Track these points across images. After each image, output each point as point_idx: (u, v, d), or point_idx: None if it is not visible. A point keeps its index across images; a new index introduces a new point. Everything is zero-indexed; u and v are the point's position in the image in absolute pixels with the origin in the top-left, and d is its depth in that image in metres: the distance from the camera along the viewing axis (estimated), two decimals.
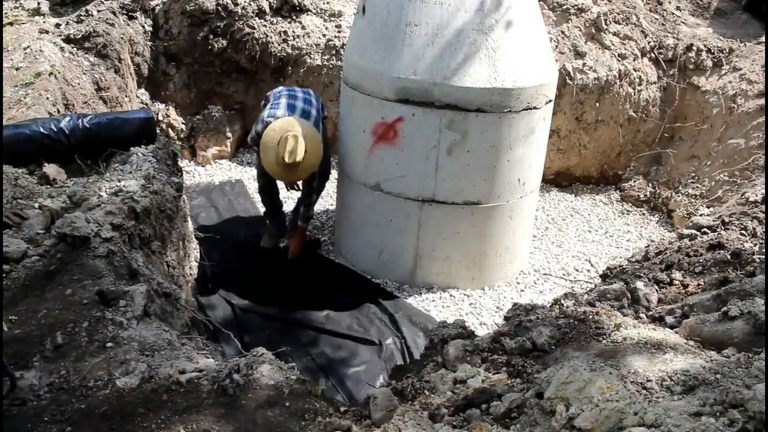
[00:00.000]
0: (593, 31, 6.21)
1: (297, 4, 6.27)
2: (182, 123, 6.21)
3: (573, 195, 6.35)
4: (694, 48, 6.23)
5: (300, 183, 4.94)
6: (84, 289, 2.35)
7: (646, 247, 4.18)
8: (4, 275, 2.40)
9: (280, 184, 4.99)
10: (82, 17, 5.61)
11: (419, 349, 3.74)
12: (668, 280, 3.09)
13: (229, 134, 6.31)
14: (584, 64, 6.04)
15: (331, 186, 5.92)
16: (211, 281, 4.27)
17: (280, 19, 6.26)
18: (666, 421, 1.61)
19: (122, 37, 5.68)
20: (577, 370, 1.83)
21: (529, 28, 4.25)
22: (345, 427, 1.86)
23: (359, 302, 4.35)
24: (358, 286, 4.58)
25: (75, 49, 5.29)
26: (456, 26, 4.07)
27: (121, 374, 1.99)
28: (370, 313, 4.27)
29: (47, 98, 4.31)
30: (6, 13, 5.51)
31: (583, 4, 6.24)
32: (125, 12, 5.95)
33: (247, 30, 6.12)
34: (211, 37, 6.14)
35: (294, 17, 6.29)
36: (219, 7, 6.11)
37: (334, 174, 5.45)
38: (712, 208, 5.15)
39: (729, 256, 3.10)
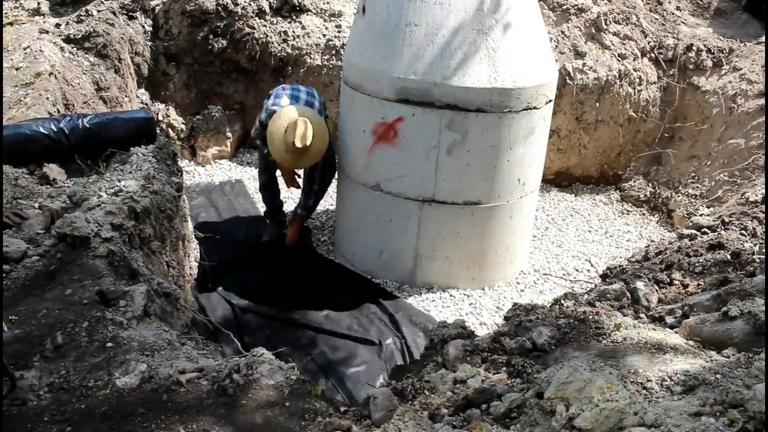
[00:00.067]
0: (593, 31, 6.21)
1: (297, 4, 6.27)
2: (182, 123, 6.21)
3: (573, 195, 6.35)
4: (694, 48, 6.23)
5: (300, 181, 4.97)
6: (84, 289, 2.36)
7: (646, 247, 4.18)
8: (4, 275, 2.40)
9: (281, 183, 5.02)
10: (82, 17, 5.61)
11: (419, 349, 3.74)
12: (668, 280, 3.09)
13: (229, 134, 6.31)
14: (584, 64, 6.04)
15: (331, 186, 5.92)
16: (211, 277, 4.28)
17: (280, 19, 6.26)
18: (666, 421, 1.61)
19: (122, 37, 5.68)
20: (577, 370, 1.83)
21: (529, 28, 4.25)
22: (345, 427, 1.86)
23: (359, 302, 4.35)
24: (358, 286, 4.58)
25: (75, 49, 5.29)
26: (456, 26, 4.07)
27: (121, 374, 1.99)
28: (370, 313, 4.26)
29: (47, 98, 4.31)
30: (6, 13, 5.51)
31: (583, 4, 6.24)
32: (125, 12, 5.95)
33: (247, 30, 6.12)
34: (211, 37, 6.14)
35: (294, 17, 6.29)
36: (219, 7, 6.11)
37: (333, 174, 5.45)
38: (712, 208, 5.15)
39: (729, 256, 3.10)
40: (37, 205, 2.87)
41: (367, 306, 4.32)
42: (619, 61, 6.13)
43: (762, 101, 5.58)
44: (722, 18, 6.93)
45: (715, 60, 6.20)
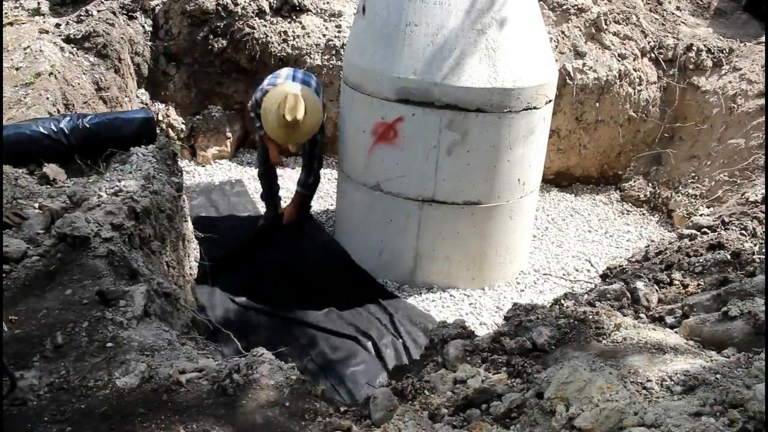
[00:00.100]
0: (593, 31, 6.21)
1: (297, 4, 6.27)
2: (182, 123, 6.21)
3: (573, 195, 6.35)
4: (694, 48, 6.23)
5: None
6: (84, 289, 2.35)
7: (646, 247, 4.18)
8: (4, 275, 2.40)
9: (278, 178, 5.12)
10: (82, 17, 5.61)
11: (419, 349, 3.74)
12: (668, 280, 3.09)
13: (229, 134, 6.31)
14: (584, 64, 6.04)
15: (331, 186, 5.93)
16: (211, 277, 4.28)
17: (280, 19, 6.26)
18: (666, 421, 1.61)
19: (122, 37, 5.68)
20: (577, 370, 1.83)
21: (528, 28, 4.25)
22: (345, 427, 1.86)
23: (360, 302, 4.35)
24: (360, 283, 4.57)
25: (75, 49, 5.29)
26: (456, 26, 4.07)
27: (121, 374, 1.99)
28: (370, 313, 4.26)
29: (47, 98, 4.31)
30: (6, 13, 5.51)
31: (583, 4, 6.24)
32: (125, 12, 5.95)
33: (247, 30, 6.12)
34: (211, 37, 6.14)
35: (294, 17, 6.29)
36: (219, 7, 6.11)
37: (334, 174, 5.46)
38: (712, 208, 5.15)
39: (729, 256, 3.10)
40: (37, 205, 2.87)
41: (368, 306, 4.32)
42: (619, 61, 6.13)
43: (762, 101, 5.58)
44: (722, 18, 6.93)
45: (715, 60, 6.20)
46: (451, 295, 4.55)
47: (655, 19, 6.61)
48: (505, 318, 2.73)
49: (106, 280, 2.41)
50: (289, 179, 5.77)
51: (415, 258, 4.55)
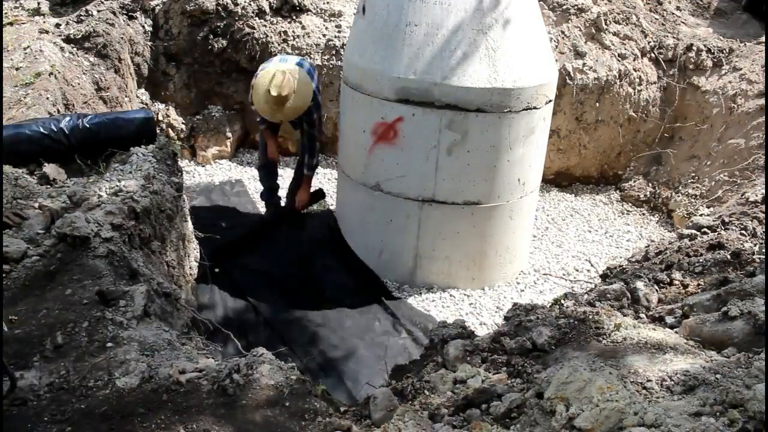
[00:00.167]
0: (593, 31, 6.21)
1: (297, 4, 6.27)
2: (182, 123, 6.21)
3: (573, 195, 6.35)
4: (694, 48, 6.23)
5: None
6: (84, 289, 2.35)
7: (646, 247, 4.18)
8: (4, 275, 2.40)
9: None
10: (82, 17, 5.61)
11: (419, 349, 3.74)
12: (668, 280, 3.09)
13: (229, 134, 6.31)
14: (584, 64, 6.04)
15: (331, 186, 5.93)
16: (211, 277, 4.29)
17: (280, 19, 6.26)
18: (666, 421, 1.61)
19: (122, 37, 5.68)
20: (577, 370, 1.83)
21: (529, 28, 4.25)
22: (345, 427, 1.86)
23: (361, 301, 4.35)
24: (362, 283, 4.57)
25: (75, 49, 5.29)
26: (456, 26, 4.06)
27: (121, 374, 1.99)
28: (372, 313, 4.26)
29: (47, 98, 4.31)
30: (6, 13, 5.51)
31: (583, 4, 6.24)
32: (125, 12, 5.95)
33: (247, 30, 6.12)
34: (211, 37, 6.14)
35: (294, 17, 6.29)
36: (219, 7, 6.11)
37: (334, 174, 5.45)
38: (712, 208, 5.15)
39: (729, 256, 3.10)
40: (37, 205, 2.87)
41: (369, 305, 4.32)
42: (619, 61, 6.12)
43: (762, 101, 5.58)
44: (722, 18, 6.93)
45: (715, 60, 6.20)
46: (451, 295, 4.54)
47: (655, 19, 6.61)
48: (505, 318, 2.73)
49: (106, 280, 2.41)
50: (289, 179, 5.77)
51: (415, 258, 4.55)
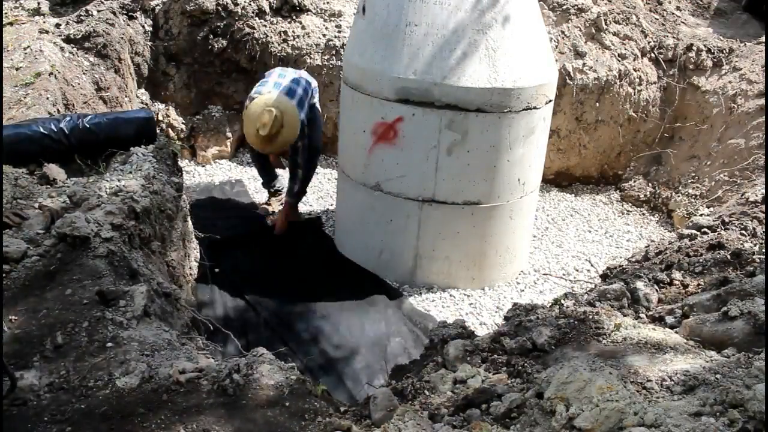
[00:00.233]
0: (593, 31, 6.21)
1: (297, 4, 6.27)
2: (182, 123, 6.21)
3: (573, 195, 6.35)
4: (694, 48, 6.23)
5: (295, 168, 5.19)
6: (84, 289, 2.35)
7: (646, 247, 4.18)
8: (4, 275, 2.40)
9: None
10: (82, 17, 5.61)
11: (420, 349, 3.74)
12: (668, 280, 3.09)
13: (229, 134, 6.31)
14: (584, 64, 6.04)
15: (331, 186, 5.93)
16: (211, 277, 4.29)
17: (280, 19, 6.26)
18: (666, 421, 1.61)
19: (122, 37, 5.68)
20: (577, 370, 1.83)
21: (529, 28, 4.25)
22: (345, 427, 1.86)
23: (361, 301, 4.35)
24: (363, 282, 4.58)
25: (75, 49, 5.29)
26: (456, 26, 4.07)
27: (121, 374, 1.99)
28: (372, 313, 4.26)
29: (47, 98, 4.31)
30: (6, 13, 5.51)
31: (583, 4, 6.24)
32: (125, 12, 5.95)
33: (247, 30, 6.12)
34: (211, 37, 6.14)
35: (294, 17, 6.29)
36: (219, 7, 6.11)
37: (334, 174, 5.47)
38: (712, 208, 5.15)
39: (729, 256, 3.10)
40: (37, 205, 2.87)
41: (369, 305, 4.32)
42: (619, 61, 6.13)
43: (762, 101, 5.58)
44: (722, 18, 6.93)
45: (715, 60, 6.20)
46: (451, 295, 4.55)
47: (655, 19, 6.61)
48: (505, 318, 2.73)
49: (106, 280, 2.41)
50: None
51: (415, 258, 4.55)
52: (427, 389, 2.21)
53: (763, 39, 6.25)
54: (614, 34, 6.24)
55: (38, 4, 5.79)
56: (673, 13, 6.78)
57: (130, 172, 3.23)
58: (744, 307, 2.32)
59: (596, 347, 2.17)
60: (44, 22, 5.50)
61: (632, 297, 2.91)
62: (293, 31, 6.21)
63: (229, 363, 2.08)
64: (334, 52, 6.20)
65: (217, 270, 4.42)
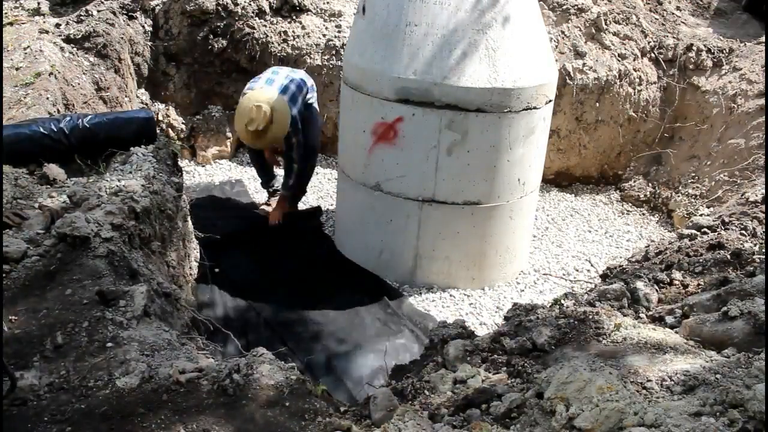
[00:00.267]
0: (593, 31, 6.21)
1: (297, 4, 6.27)
2: (182, 123, 6.21)
3: (573, 195, 6.35)
4: (694, 48, 6.23)
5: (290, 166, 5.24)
6: (84, 289, 2.35)
7: (646, 247, 4.18)
8: (4, 275, 2.40)
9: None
10: (82, 17, 5.61)
11: (420, 349, 3.74)
12: (668, 280, 3.09)
13: (229, 134, 6.32)
14: (584, 64, 6.04)
15: (331, 186, 5.93)
16: (211, 277, 4.29)
17: (280, 19, 6.26)
18: (666, 421, 1.61)
19: (122, 37, 5.68)
20: (577, 370, 1.83)
21: (529, 28, 4.25)
22: (345, 427, 1.86)
23: (361, 301, 4.35)
24: (363, 282, 4.58)
25: (75, 49, 5.29)
26: (456, 26, 4.07)
27: (121, 374, 1.99)
28: (372, 312, 4.26)
29: (47, 98, 4.31)
30: (6, 13, 5.51)
31: (583, 4, 6.24)
32: (125, 12, 5.95)
33: (247, 30, 6.12)
34: (211, 37, 6.14)
35: (294, 17, 6.29)
36: (219, 7, 6.11)
37: (334, 174, 5.47)
38: (712, 208, 5.15)
39: (729, 256, 3.10)
40: (37, 205, 2.87)
41: (369, 305, 4.32)
42: (619, 61, 6.13)
43: (762, 101, 5.58)
44: (722, 18, 6.93)
45: (715, 60, 6.20)
46: (451, 295, 4.54)
47: (655, 19, 6.61)
48: (505, 318, 2.73)
49: (106, 280, 2.41)
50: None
51: (415, 258, 4.55)
52: (427, 389, 2.21)
53: (763, 39, 6.25)
54: (614, 34, 6.24)
55: (38, 4, 5.79)
56: (673, 13, 6.78)
57: (130, 172, 3.23)
58: (744, 307, 2.32)
59: (596, 347, 2.17)
60: (44, 22, 5.50)
61: (632, 297, 2.91)
62: (293, 31, 6.21)
63: (229, 363, 2.08)
64: (334, 52, 6.20)
65: (217, 270, 4.42)
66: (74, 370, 2.00)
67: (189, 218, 3.83)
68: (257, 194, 5.77)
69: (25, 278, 2.41)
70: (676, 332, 2.40)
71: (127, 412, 1.85)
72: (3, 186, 2.91)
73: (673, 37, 6.38)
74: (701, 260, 3.17)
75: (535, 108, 4.26)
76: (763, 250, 3.12)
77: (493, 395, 1.99)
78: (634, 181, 6.25)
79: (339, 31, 6.29)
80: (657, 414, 1.63)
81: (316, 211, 5.46)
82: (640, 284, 2.96)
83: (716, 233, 3.60)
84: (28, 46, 4.91)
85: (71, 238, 2.53)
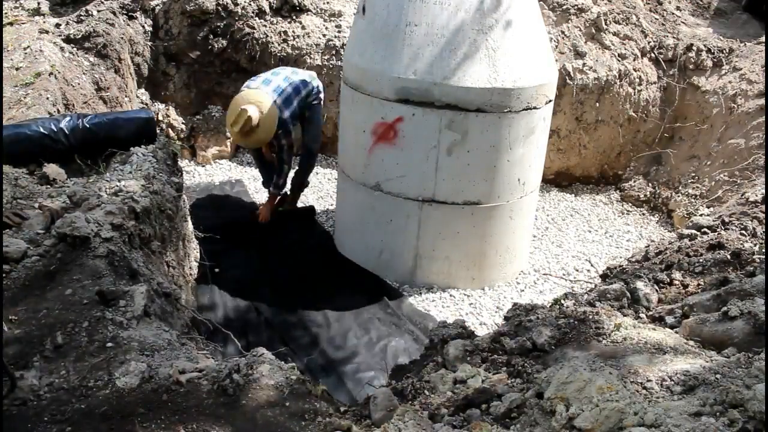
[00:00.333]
0: (593, 31, 6.21)
1: (297, 4, 6.27)
2: (182, 123, 6.21)
3: (573, 195, 6.35)
4: (694, 48, 6.23)
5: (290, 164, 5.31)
6: (84, 289, 2.35)
7: (646, 247, 4.18)
8: (4, 275, 2.40)
9: None
10: (82, 17, 5.61)
11: (419, 349, 3.73)
12: (668, 280, 3.09)
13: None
14: (584, 64, 6.04)
15: (331, 186, 5.93)
16: (211, 277, 4.29)
17: (280, 19, 6.26)
18: (666, 421, 1.61)
19: (122, 37, 5.68)
20: (577, 370, 1.83)
21: (529, 28, 4.24)
22: (345, 427, 1.86)
23: (361, 301, 4.35)
24: (363, 282, 4.58)
25: (75, 49, 5.29)
26: (456, 26, 4.06)
27: (121, 374, 1.99)
28: (372, 312, 4.26)
29: (47, 98, 4.31)
30: (6, 13, 5.51)
31: (583, 4, 6.24)
32: (125, 12, 5.95)
33: (247, 30, 6.12)
34: (211, 37, 6.14)
35: (294, 17, 6.29)
36: (219, 7, 6.11)
37: (334, 174, 5.46)
38: (712, 208, 5.15)
39: (729, 256, 3.10)
40: (37, 205, 2.87)
41: (369, 305, 4.32)
42: (619, 61, 6.12)
43: (762, 101, 5.58)
44: (722, 18, 6.93)
45: (715, 60, 6.20)
46: (451, 295, 4.54)
47: (655, 19, 6.61)
48: (505, 318, 2.73)
49: (106, 280, 2.41)
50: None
51: (415, 258, 4.55)
52: (427, 389, 2.21)
53: (763, 39, 6.25)
54: (614, 34, 6.24)
55: (38, 4, 5.79)
56: (673, 13, 6.78)
57: (130, 172, 3.23)
58: (744, 307, 2.32)
59: (596, 347, 2.17)
60: (44, 22, 5.50)
61: (632, 297, 2.91)
62: (293, 31, 6.21)
63: (229, 363, 2.08)
64: (334, 52, 6.20)
65: (217, 270, 4.42)
66: (74, 370, 2.00)
67: (189, 218, 3.82)
68: (257, 194, 5.77)
69: (25, 278, 2.41)
70: (676, 332, 2.40)
71: (127, 412, 1.85)
72: (3, 186, 2.91)
73: (673, 37, 6.38)
74: (701, 260, 3.17)
75: (535, 108, 4.26)
76: (763, 250, 3.12)
77: (493, 395, 1.99)
78: (634, 181, 6.25)
79: (339, 31, 6.29)
80: (657, 414, 1.63)
81: (310, 210, 5.44)
82: (640, 284, 2.96)
83: (716, 233, 3.60)
84: (28, 46, 4.91)
85: (71, 238, 2.53)
